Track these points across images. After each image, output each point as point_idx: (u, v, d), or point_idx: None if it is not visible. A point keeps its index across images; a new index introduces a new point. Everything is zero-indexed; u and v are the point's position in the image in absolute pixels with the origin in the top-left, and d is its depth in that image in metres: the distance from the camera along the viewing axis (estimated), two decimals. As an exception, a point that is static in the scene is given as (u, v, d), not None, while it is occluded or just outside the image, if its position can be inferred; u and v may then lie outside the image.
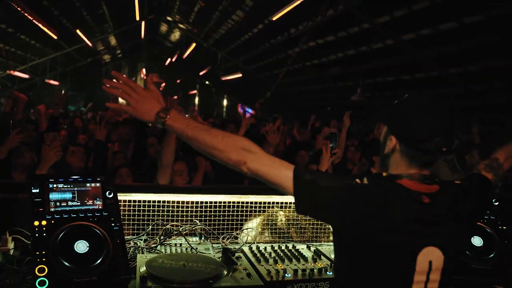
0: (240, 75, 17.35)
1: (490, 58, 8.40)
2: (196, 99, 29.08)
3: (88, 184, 2.18)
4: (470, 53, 8.35)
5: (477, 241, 2.54)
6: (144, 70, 26.70)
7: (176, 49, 22.82)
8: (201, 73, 24.42)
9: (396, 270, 1.40)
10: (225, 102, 29.59)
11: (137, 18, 14.30)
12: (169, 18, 19.03)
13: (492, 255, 2.49)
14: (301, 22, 11.64)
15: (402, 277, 1.40)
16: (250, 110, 23.37)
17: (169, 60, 24.91)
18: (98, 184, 2.20)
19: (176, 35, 22.71)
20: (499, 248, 2.50)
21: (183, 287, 1.92)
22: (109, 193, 2.19)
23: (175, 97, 28.41)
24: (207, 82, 28.38)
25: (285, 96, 20.17)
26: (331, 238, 2.96)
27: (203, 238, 2.65)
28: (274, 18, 9.15)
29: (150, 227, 2.56)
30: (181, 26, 19.45)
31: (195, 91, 28.49)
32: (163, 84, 28.54)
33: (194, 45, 17.80)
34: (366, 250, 1.39)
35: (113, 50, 24.98)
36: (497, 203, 2.66)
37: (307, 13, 10.42)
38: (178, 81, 27.69)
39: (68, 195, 2.13)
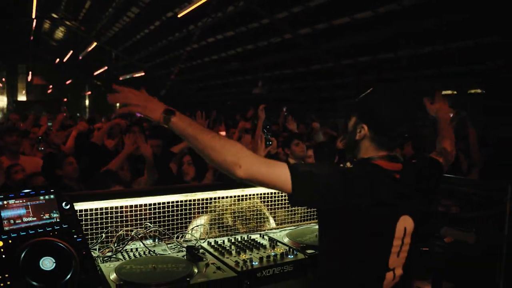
0: (142, 73, 16.84)
1: (379, 51, 9.29)
2: (87, 101, 27.56)
3: (41, 197, 2.08)
4: (361, 46, 9.17)
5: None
6: (30, 72, 24.54)
7: (63, 48, 21.33)
8: (95, 73, 23.14)
9: (380, 237, 1.62)
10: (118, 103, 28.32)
11: (33, 15, 13.08)
12: (55, 16, 17.73)
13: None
14: (201, 19, 11.69)
15: (385, 243, 1.63)
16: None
17: (57, 60, 23.18)
18: (52, 196, 2.10)
19: (62, 33, 21.22)
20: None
21: (162, 288, 1.94)
22: (66, 204, 2.11)
23: (65, 99, 26.63)
24: (98, 83, 26.98)
25: (183, 93, 20.00)
26: (273, 225, 3.13)
27: (156, 240, 2.65)
28: (179, 15, 9.06)
29: (104, 235, 2.49)
30: (68, 23, 18.25)
31: (88, 93, 26.94)
32: (50, 87, 26.52)
33: (93, 45, 16.80)
34: (357, 224, 1.57)
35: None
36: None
37: (206, 9, 10.49)
38: (69, 82, 25.92)
39: (22, 211, 2.01)
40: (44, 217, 2.03)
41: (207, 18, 11.25)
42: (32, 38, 20.37)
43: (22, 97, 25.83)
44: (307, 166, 1.58)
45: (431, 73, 10.18)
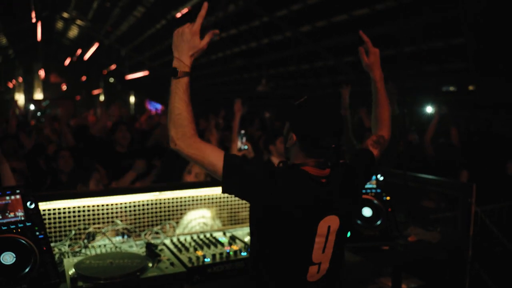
0: (147, 72, 17.07)
1: (379, 47, 9.30)
2: (101, 98, 28.01)
3: (7, 197, 2.25)
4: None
5: (366, 212, 2.98)
6: (42, 70, 25.02)
7: (75, 47, 21.72)
8: (105, 71, 23.54)
9: (302, 234, 1.73)
10: (132, 99, 28.83)
11: (33, 19, 13.45)
12: (65, 15, 18.09)
13: (379, 223, 2.95)
14: (204, 17, 11.81)
15: (305, 241, 1.74)
16: (159, 106, 23.02)
17: (69, 59, 23.64)
18: (18, 196, 2.27)
19: (74, 32, 21.63)
20: (384, 215, 2.97)
21: (113, 282, 2.10)
22: (30, 204, 2.27)
23: (78, 97, 27.14)
24: (111, 80, 27.41)
25: (193, 90, 20.18)
26: (246, 223, 3.26)
27: (125, 237, 2.81)
28: (177, 16, 9.23)
29: (73, 232, 2.66)
30: (79, 23, 18.59)
31: (100, 90, 27.38)
32: (64, 85, 27.03)
33: (97, 45, 17.10)
34: (279, 221, 1.70)
35: (4, 51, 23.11)
36: (382, 178, 3.11)
37: (209, 8, 10.60)
38: (83, 79, 26.39)
39: (-12, 210, 2.18)
40: (9, 216, 2.20)
41: (210, 17, 11.39)
42: (45, 38, 20.77)
43: (38, 95, 26.43)
44: (240, 160, 1.72)
45: (432, 69, 10.18)
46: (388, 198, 3.07)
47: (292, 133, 1.80)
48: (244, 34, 12.17)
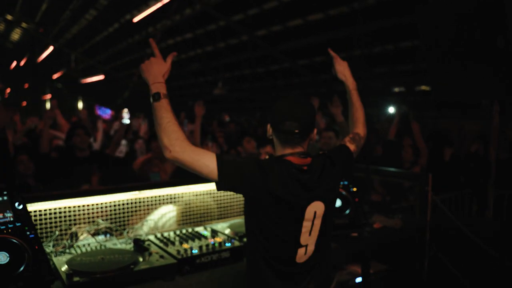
0: (102, 77, 16.72)
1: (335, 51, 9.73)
2: (48, 104, 27.02)
3: (-5, 199, 2.27)
4: (316, 47, 9.54)
5: (337, 202, 3.22)
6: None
7: (21, 50, 20.84)
8: (54, 76, 22.71)
9: (290, 220, 1.91)
10: (80, 105, 27.99)
11: None
12: (9, 17, 17.35)
13: (348, 212, 3.19)
14: (160, 21, 11.81)
15: (294, 225, 1.92)
16: (108, 111, 22.52)
17: (14, 63, 22.62)
18: (5, 198, 2.30)
19: (17, 35, 20.76)
20: (352, 205, 3.21)
21: (109, 275, 2.18)
22: (19, 204, 2.31)
23: (24, 103, 26.01)
24: (59, 86, 26.50)
25: (145, 94, 19.93)
26: (218, 218, 3.40)
27: (108, 236, 2.87)
28: (135, 20, 9.19)
29: (57, 232, 2.70)
30: (24, 25, 17.87)
31: (48, 96, 26.36)
32: (8, 91, 25.83)
33: (51, 48, 16.51)
34: (270, 207, 1.86)
35: None
36: (348, 171, 3.34)
37: (165, 12, 10.63)
38: (26, 86, 25.31)
39: (-23, 212, 2.20)
40: (-2, 217, 2.22)
41: (165, 21, 11.38)
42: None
43: (-22, 102, 25.11)
44: (231, 156, 1.88)
45: (383, 70, 10.72)
46: (354, 189, 3.31)
47: (268, 123, 2.01)
48: (200, 37, 12.25)
